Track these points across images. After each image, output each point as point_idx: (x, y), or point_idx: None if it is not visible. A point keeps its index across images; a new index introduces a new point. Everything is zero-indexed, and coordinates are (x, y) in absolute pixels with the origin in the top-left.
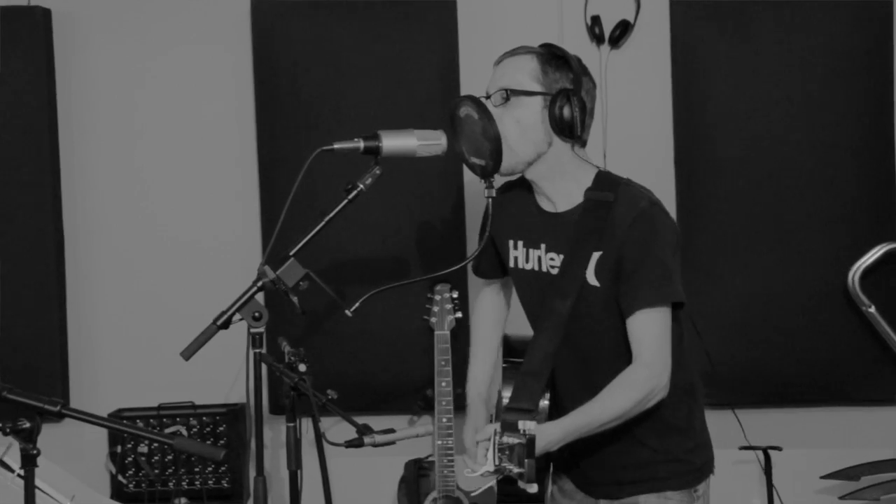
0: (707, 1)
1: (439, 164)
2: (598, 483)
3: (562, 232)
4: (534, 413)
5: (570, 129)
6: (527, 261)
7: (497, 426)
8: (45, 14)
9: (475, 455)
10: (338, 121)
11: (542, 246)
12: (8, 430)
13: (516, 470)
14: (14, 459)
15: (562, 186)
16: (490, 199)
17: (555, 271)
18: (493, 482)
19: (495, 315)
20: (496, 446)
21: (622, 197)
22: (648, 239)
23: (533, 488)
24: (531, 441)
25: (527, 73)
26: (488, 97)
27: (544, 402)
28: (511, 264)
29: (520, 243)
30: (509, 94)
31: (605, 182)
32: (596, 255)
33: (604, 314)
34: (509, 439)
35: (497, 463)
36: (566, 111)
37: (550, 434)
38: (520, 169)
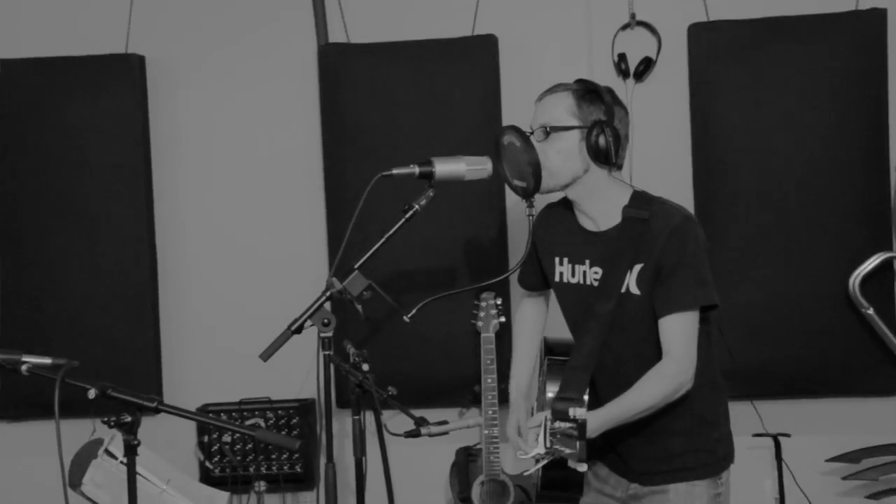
0: (720, 39)
1: (484, 187)
2: (632, 469)
3: (604, 248)
4: (581, 402)
5: (606, 157)
6: (572, 275)
7: (548, 414)
8: (140, 60)
9: (517, 444)
10: (393, 149)
11: (587, 262)
12: (112, 423)
13: (567, 451)
14: (118, 449)
15: (600, 206)
16: (531, 217)
17: (598, 283)
18: (542, 464)
19: (536, 321)
20: (547, 431)
21: (658, 213)
22: (682, 250)
23: (583, 467)
24: (582, 425)
25: (564, 109)
26: (531, 133)
27: (584, 396)
28: (556, 279)
29: (565, 260)
30: (549, 130)
31: (640, 200)
32: (637, 267)
33: (641, 319)
34: (560, 425)
35: (548, 446)
36: (601, 141)
37: (591, 422)
38: (557, 189)
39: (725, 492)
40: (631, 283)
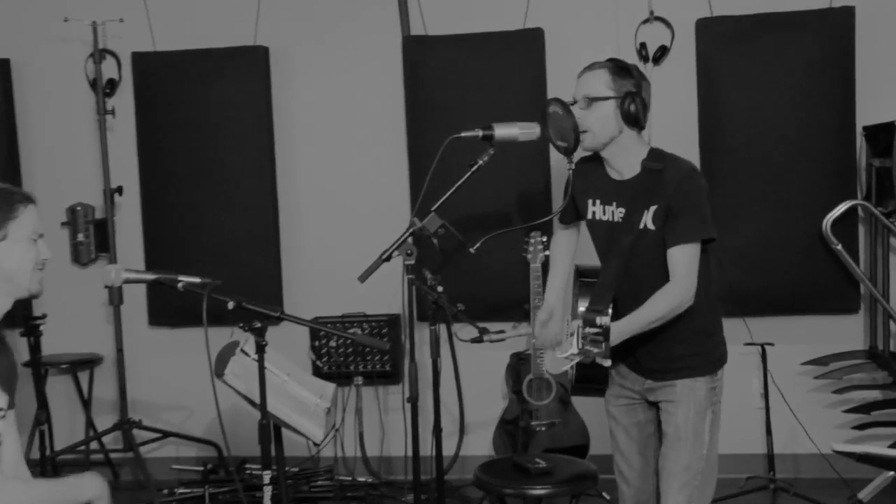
0: (722, 30)
1: (533, 147)
2: (646, 369)
3: (628, 192)
4: (605, 313)
5: (636, 121)
6: (603, 214)
7: (580, 322)
8: (265, 51)
9: (545, 338)
10: (461, 119)
11: (614, 203)
12: (247, 328)
13: (595, 350)
14: (250, 348)
15: (626, 160)
16: (570, 171)
17: (621, 221)
18: (575, 362)
19: (569, 247)
20: (580, 336)
21: (670, 165)
22: (689, 194)
23: (607, 363)
24: (607, 329)
25: (602, 83)
26: (574, 102)
27: (609, 309)
28: (589, 216)
29: (597, 201)
30: (591, 100)
31: (656, 155)
32: (652, 208)
33: (654, 249)
34: (589, 330)
35: (580, 347)
36: (632, 108)
37: (613, 331)
38: (599, 149)
39: (720, 386)
40: (647, 220)
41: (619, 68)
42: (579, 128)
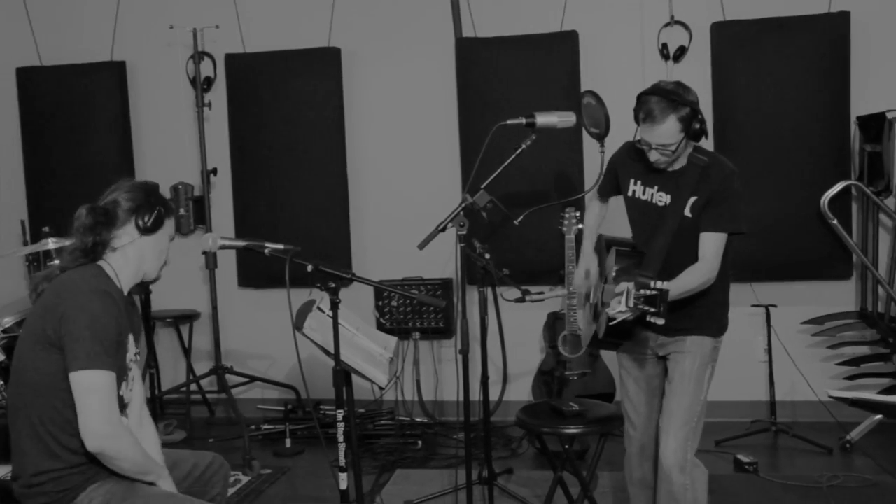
0: (734, 33)
1: (568, 133)
2: (665, 328)
3: (670, 181)
4: (656, 279)
5: (700, 137)
6: (643, 194)
7: (631, 285)
8: (337, 52)
9: (584, 287)
10: (506, 110)
11: (655, 187)
12: (323, 288)
13: (652, 309)
14: (326, 306)
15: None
16: (602, 154)
17: (661, 203)
18: (622, 318)
19: (600, 216)
20: (632, 296)
21: (714, 163)
22: (728, 191)
23: (661, 321)
24: (666, 291)
25: (675, 131)
26: (650, 149)
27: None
28: (629, 194)
29: (639, 182)
30: (669, 147)
31: (700, 152)
32: (692, 199)
33: (686, 232)
34: (644, 292)
35: (632, 306)
36: (699, 127)
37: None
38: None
39: (720, 348)
40: (686, 209)
41: (677, 104)
42: (660, 164)
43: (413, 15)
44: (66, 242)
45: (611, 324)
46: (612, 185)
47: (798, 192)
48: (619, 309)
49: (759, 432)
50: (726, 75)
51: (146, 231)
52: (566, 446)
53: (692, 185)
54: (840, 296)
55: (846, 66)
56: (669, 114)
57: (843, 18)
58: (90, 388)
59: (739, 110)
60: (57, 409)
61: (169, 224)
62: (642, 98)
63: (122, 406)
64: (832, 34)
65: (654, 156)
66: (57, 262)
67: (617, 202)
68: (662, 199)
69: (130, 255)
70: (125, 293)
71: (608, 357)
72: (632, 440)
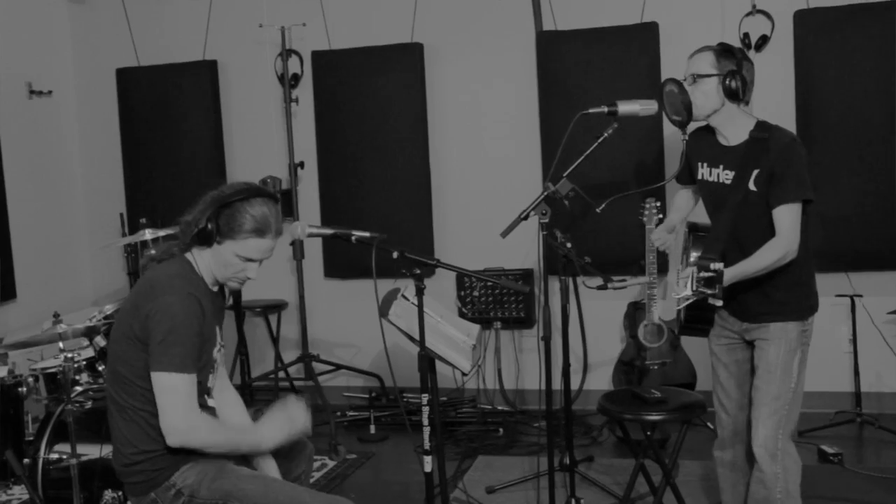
0: (817, 21)
1: (649, 122)
2: (747, 311)
3: (734, 157)
4: (717, 260)
5: (735, 95)
6: (710, 175)
7: (694, 268)
8: (420, 47)
9: (662, 241)
10: (588, 101)
11: (721, 166)
12: (408, 273)
13: (710, 292)
14: (410, 293)
15: (732, 129)
16: (684, 142)
17: (727, 181)
18: (688, 302)
19: (688, 204)
20: (694, 280)
21: (774, 135)
22: (790, 159)
23: (719, 303)
24: (720, 273)
25: (707, 63)
26: (685, 80)
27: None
28: (699, 177)
29: (705, 164)
30: (696, 77)
31: (762, 126)
32: (755, 172)
33: (755, 208)
34: (703, 274)
35: (695, 289)
36: (733, 84)
37: (726, 274)
38: (703, 119)
39: (810, 330)
40: (751, 183)
41: (723, 50)
42: (697, 106)
43: (494, 9)
44: (162, 233)
45: (677, 308)
46: (687, 171)
47: (883, 181)
48: (684, 294)
49: (843, 423)
50: (809, 65)
51: (197, 240)
52: (648, 433)
53: (754, 158)
54: None
55: None
56: (709, 49)
57: None
58: (168, 388)
59: (822, 99)
60: (147, 397)
61: (247, 242)
62: None
63: (207, 391)
64: None
65: (694, 96)
66: (153, 251)
67: None
68: (728, 177)
69: (205, 256)
70: (211, 287)
71: (689, 346)
72: (724, 425)
